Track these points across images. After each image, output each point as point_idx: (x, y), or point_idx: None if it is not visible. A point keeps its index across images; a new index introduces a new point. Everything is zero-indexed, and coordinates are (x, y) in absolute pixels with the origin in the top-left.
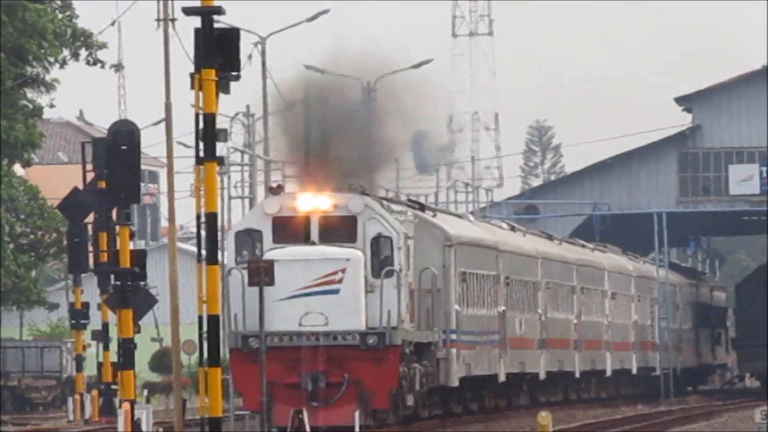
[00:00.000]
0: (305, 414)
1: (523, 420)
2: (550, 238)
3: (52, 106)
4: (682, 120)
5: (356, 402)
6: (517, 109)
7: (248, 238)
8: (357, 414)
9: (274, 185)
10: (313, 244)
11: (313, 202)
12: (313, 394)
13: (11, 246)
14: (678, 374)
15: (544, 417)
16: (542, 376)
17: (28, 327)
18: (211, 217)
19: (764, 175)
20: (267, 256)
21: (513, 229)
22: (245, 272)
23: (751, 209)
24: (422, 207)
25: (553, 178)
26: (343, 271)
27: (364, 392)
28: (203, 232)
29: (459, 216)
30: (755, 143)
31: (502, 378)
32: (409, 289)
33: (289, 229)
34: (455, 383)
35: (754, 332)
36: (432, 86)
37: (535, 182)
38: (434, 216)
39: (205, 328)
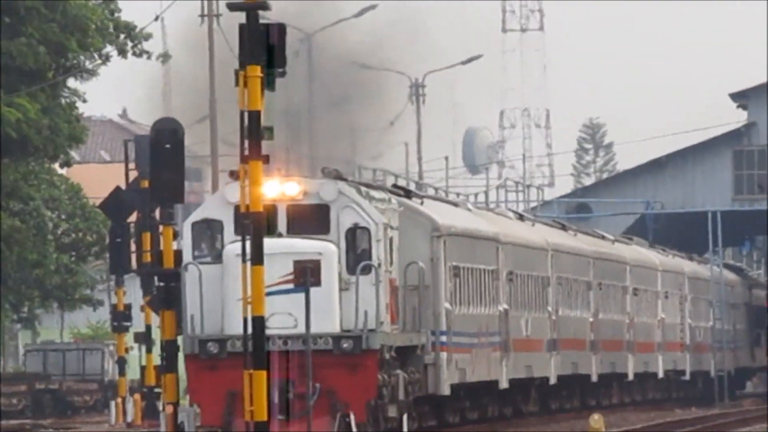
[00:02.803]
0: (352, 417)
1: (531, 428)
2: (564, 228)
3: (84, 100)
4: (737, 117)
5: (329, 414)
6: (569, 106)
7: (207, 229)
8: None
9: (236, 171)
10: (280, 236)
11: (281, 189)
12: (281, 405)
13: (53, 245)
14: (711, 377)
15: (597, 420)
16: (553, 380)
17: (68, 329)
18: (258, 216)
19: None
20: (227, 249)
21: (521, 218)
22: (203, 268)
23: None
24: (408, 194)
25: (605, 176)
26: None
27: (338, 403)
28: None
29: (455, 204)
30: None
31: (504, 384)
32: (393, 285)
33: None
34: (446, 392)
35: None
36: (481, 81)
37: (587, 181)
38: (422, 203)
39: (249, 329)
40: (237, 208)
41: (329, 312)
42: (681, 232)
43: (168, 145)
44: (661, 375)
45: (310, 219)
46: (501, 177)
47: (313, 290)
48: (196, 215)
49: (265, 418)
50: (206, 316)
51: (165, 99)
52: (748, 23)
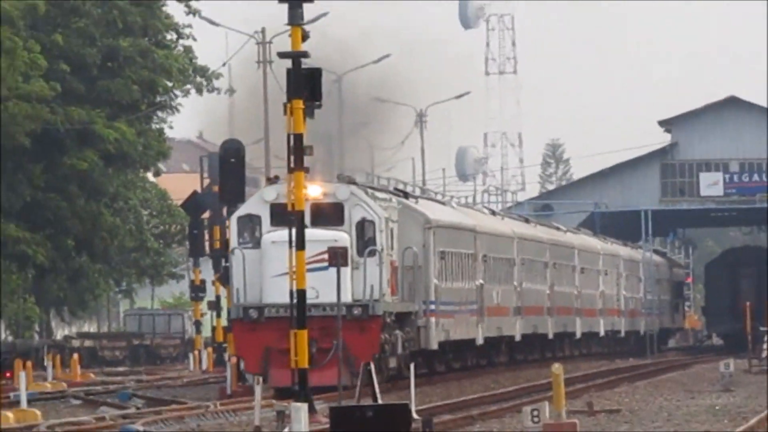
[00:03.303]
0: (372, 366)
1: (500, 375)
2: (527, 221)
3: (170, 127)
4: (663, 138)
5: (344, 365)
6: (537, 130)
7: (249, 222)
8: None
9: (272, 176)
10: (306, 227)
11: (306, 191)
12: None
13: (147, 235)
14: (642, 336)
15: (557, 368)
16: (518, 338)
17: (157, 299)
18: (299, 214)
19: (727, 180)
20: (265, 237)
21: (493, 213)
22: (246, 252)
23: (716, 207)
24: (406, 195)
25: (563, 183)
26: None
27: (350, 356)
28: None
29: (442, 203)
30: (719, 156)
31: (480, 341)
32: (393, 266)
33: (285, 214)
34: (434, 347)
35: (719, 302)
36: (470, 112)
37: (550, 186)
38: (416, 202)
39: (295, 298)
40: (272, 205)
41: (344, 286)
42: (621, 226)
43: (233, 160)
44: (602, 334)
45: (329, 214)
46: (485, 184)
47: (331, 269)
48: (240, 211)
49: (306, 365)
50: (248, 289)
51: (230, 124)
52: (671, 66)
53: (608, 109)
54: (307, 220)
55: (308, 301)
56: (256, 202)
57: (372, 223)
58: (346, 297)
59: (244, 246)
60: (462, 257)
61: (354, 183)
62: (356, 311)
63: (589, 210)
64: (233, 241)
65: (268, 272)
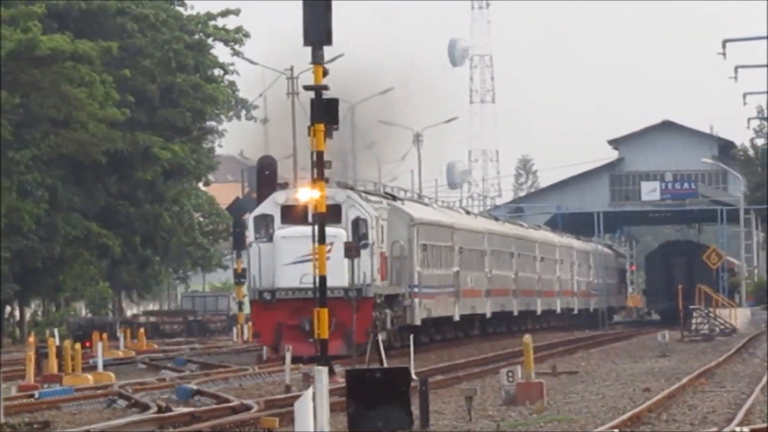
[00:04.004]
0: (379, 337)
1: (475, 345)
2: (496, 219)
3: (220, 146)
4: (612, 154)
5: (341, 338)
6: (511, 148)
7: (263, 220)
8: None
9: (282, 183)
10: (310, 224)
11: (310, 194)
12: (310, 332)
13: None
14: (592, 312)
15: (527, 338)
16: (488, 315)
17: (207, 284)
18: (320, 215)
19: (662, 188)
20: (276, 233)
21: (468, 213)
22: (261, 245)
23: (654, 209)
24: (394, 197)
25: (532, 190)
26: (331, 244)
27: (347, 331)
28: (316, 225)
29: (425, 204)
30: (657, 169)
31: (456, 318)
32: (383, 257)
33: (293, 214)
34: (418, 323)
35: (656, 285)
36: (457, 133)
37: (521, 193)
38: (403, 204)
39: (317, 283)
40: (282, 207)
41: (341, 273)
42: (578, 224)
43: (267, 172)
44: (558, 311)
45: (329, 214)
46: (469, 191)
47: (331, 258)
48: (256, 212)
49: (326, 336)
50: (263, 276)
51: (265, 144)
52: (622, 95)
53: (568, 131)
54: (311, 218)
55: (312, 286)
56: (269, 204)
57: (365, 221)
58: (344, 282)
59: (260, 240)
60: (441, 249)
61: (350, 188)
62: (352, 293)
63: (553, 212)
64: (250, 236)
65: (279, 262)
